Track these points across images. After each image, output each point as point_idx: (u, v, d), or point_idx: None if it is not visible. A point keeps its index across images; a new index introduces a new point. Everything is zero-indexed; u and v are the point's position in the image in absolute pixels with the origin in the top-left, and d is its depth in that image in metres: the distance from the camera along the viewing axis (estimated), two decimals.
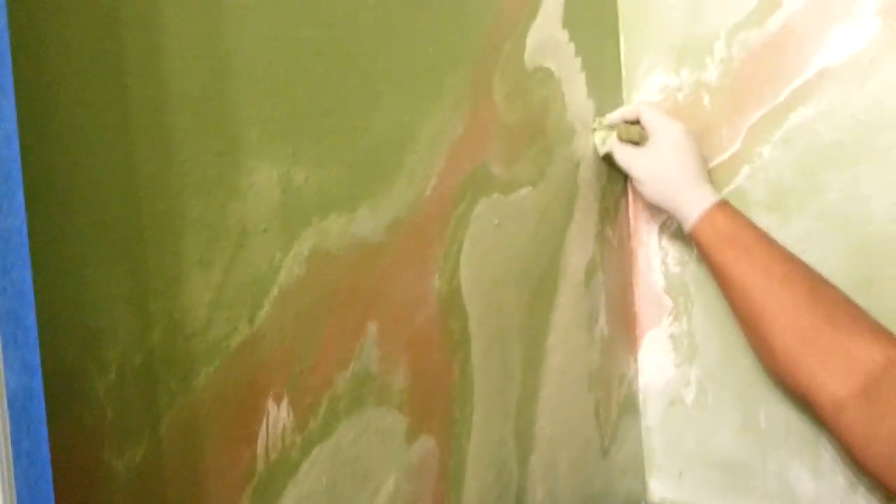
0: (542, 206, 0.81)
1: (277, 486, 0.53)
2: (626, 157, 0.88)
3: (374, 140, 0.61)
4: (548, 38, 0.82)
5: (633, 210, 0.98)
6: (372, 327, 0.61)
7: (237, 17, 0.51)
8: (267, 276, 0.52)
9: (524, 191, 0.78)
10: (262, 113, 0.52)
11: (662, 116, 0.87)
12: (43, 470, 0.36)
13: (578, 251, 0.87)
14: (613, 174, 0.94)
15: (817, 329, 0.75)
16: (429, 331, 0.66)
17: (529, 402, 0.78)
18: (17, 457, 0.35)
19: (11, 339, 0.35)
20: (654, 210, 0.95)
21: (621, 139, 0.88)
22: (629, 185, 0.96)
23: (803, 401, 0.78)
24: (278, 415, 0.53)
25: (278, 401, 0.53)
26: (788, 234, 0.83)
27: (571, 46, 0.86)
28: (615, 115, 0.90)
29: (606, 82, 0.93)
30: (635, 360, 0.98)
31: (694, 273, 0.94)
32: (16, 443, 0.35)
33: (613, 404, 0.93)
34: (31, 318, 0.36)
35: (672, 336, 0.96)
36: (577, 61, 0.87)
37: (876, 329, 0.74)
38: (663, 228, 0.96)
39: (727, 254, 0.81)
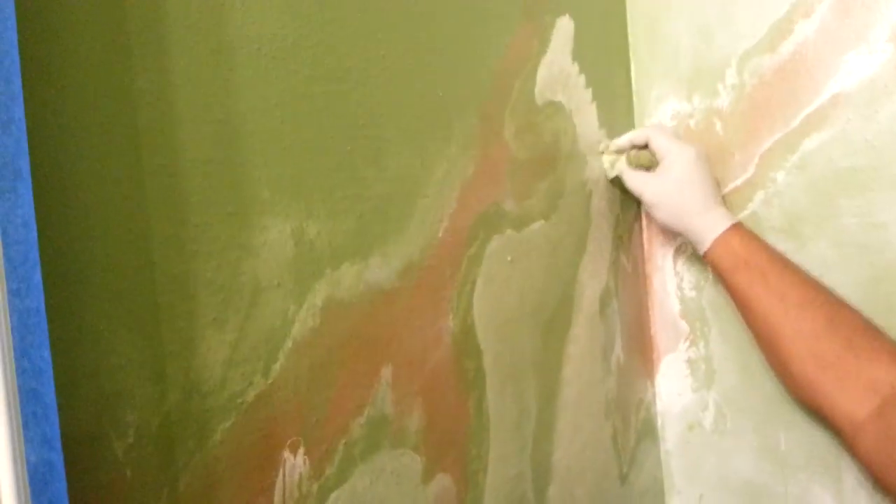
0: (555, 238, 0.81)
1: None
2: (638, 182, 0.87)
3: (385, 188, 0.62)
4: (558, 73, 0.82)
5: (647, 235, 0.98)
6: (386, 372, 0.61)
7: (247, 78, 0.51)
8: (281, 330, 0.53)
9: (536, 225, 0.78)
10: (272, 171, 0.53)
11: (672, 140, 0.86)
12: None
13: (592, 281, 0.87)
14: (626, 201, 0.93)
15: (836, 354, 0.74)
16: (443, 371, 0.67)
17: (546, 434, 0.78)
18: None
19: (31, 416, 0.37)
20: (669, 234, 0.95)
21: (631, 166, 0.88)
22: (642, 210, 0.96)
23: (824, 422, 0.78)
24: (294, 464, 0.54)
25: (294, 450, 0.54)
26: (804, 260, 0.83)
27: (582, 78, 0.86)
28: (623, 140, 0.89)
29: (618, 112, 0.93)
30: (653, 385, 0.98)
31: (710, 297, 0.93)
32: None
33: (632, 430, 0.93)
34: (50, 395, 0.37)
35: (689, 360, 0.96)
36: (588, 92, 0.87)
37: (895, 352, 0.74)
38: (678, 253, 0.96)
39: (743, 277, 0.81)
